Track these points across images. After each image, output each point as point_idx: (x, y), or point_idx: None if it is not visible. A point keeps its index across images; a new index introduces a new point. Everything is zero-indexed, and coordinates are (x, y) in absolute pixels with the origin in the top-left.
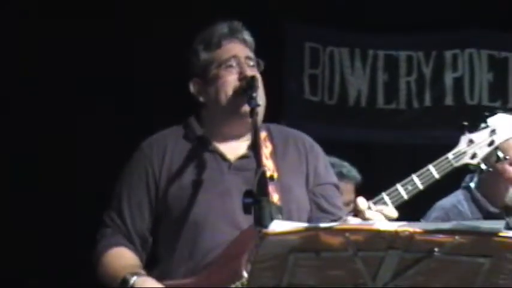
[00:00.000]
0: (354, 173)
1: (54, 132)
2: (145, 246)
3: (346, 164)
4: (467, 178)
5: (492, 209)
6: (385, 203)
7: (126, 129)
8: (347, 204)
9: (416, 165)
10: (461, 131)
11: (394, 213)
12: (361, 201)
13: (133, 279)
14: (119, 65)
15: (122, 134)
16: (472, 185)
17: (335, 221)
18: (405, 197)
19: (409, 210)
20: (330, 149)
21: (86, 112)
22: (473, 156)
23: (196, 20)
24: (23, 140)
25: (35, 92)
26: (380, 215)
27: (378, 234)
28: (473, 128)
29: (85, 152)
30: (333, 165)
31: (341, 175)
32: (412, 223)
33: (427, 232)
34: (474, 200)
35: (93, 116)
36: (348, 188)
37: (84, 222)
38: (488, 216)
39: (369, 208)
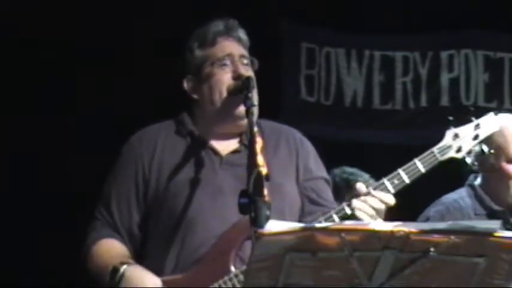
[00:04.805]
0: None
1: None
2: (132, 241)
3: (366, 176)
4: (471, 176)
5: (496, 207)
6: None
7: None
8: None
9: None
10: (447, 125)
11: (392, 200)
12: (360, 186)
13: (124, 268)
14: (119, 64)
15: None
16: (476, 182)
17: (327, 213)
18: (392, 191)
19: (411, 206)
20: (325, 149)
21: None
22: (459, 150)
23: (195, 20)
24: (22, 139)
25: (34, 90)
26: (378, 202)
27: (374, 234)
28: (459, 122)
29: (84, 151)
30: (352, 173)
31: None
32: (407, 223)
33: (422, 232)
34: (477, 198)
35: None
36: None
37: (83, 222)
38: (491, 214)
39: (369, 193)
